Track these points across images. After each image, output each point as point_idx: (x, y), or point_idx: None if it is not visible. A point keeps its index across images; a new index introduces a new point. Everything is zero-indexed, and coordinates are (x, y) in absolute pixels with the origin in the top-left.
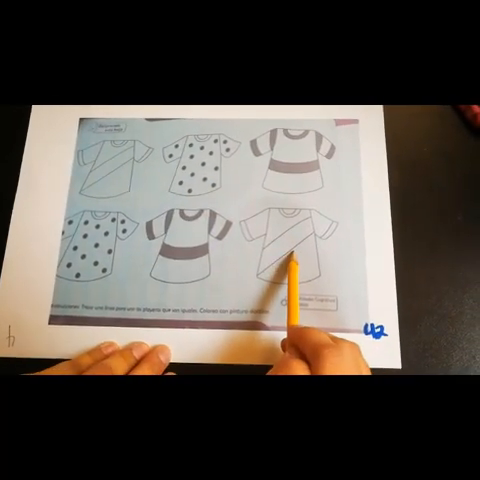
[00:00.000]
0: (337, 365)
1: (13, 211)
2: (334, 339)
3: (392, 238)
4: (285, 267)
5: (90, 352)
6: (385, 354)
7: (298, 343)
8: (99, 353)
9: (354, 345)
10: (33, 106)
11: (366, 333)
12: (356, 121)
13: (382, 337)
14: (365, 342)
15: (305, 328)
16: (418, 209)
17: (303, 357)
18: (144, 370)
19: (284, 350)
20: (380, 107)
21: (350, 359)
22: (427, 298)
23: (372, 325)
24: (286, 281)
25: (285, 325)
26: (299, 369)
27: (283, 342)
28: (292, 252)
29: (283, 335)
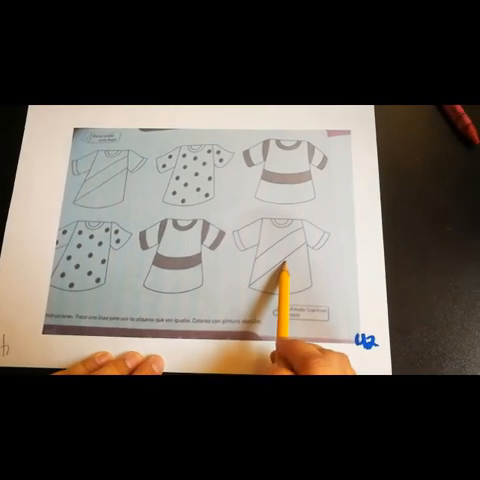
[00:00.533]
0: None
1: (7, 220)
2: (322, 350)
3: (383, 249)
4: (277, 277)
5: (84, 362)
6: (376, 364)
7: (286, 355)
8: (93, 363)
9: (342, 355)
10: (28, 116)
11: (357, 343)
12: (348, 132)
13: (373, 347)
14: (356, 352)
15: (293, 340)
16: (409, 220)
17: (291, 369)
18: None
19: (273, 362)
20: (372, 117)
21: (338, 369)
22: (418, 308)
23: (363, 335)
24: (278, 291)
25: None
26: None
27: (272, 354)
28: (284, 262)
29: (274, 345)
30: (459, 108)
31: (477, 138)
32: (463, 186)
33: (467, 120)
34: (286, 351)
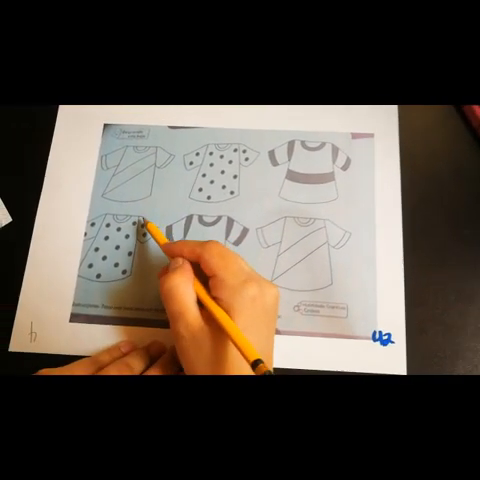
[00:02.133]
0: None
1: (38, 212)
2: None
3: (402, 249)
4: (298, 273)
5: (109, 350)
6: (391, 361)
7: (178, 252)
8: (118, 351)
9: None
10: (59, 111)
11: (374, 340)
12: (372, 135)
13: (389, 344)
14: (373, 348)
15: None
16: (428, 222)
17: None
18: (158, 369)
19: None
20: (395, 121)
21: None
22: (434, 308)
23: (380, 332)
24: (299, 288)
25: (297, 330)
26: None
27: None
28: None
29: (294, 339)
30: None
31: None
32: None
33: None
34: (180, 249)
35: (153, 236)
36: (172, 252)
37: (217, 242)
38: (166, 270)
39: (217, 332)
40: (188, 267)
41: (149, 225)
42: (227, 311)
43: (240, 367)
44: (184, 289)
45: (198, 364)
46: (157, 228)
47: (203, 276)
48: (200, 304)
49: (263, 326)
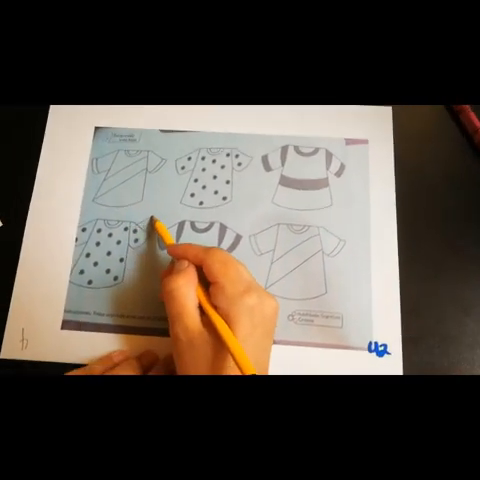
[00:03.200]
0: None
1: (28, 216)
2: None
3: (398, 258)
4: (291, 282)
5: (101, 360)
6: (387, 372)
7: (183, 255)
8: (110, 361)
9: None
10: (50, 113)
11: (370, 351)
12: (366, 141)
13: (385, 355)
14: (368, 360)
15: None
16: (424, 231)
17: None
18: None
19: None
20: (390, 127)
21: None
22: (430, 319)
23: (376, 343)
24: (293, 296)
25: (291, 339)
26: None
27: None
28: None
29: (289, 349)
30: (477, 122)
31: None
32: (478, 199)
33: None
34: (184, 252)
35: (160, 235)
36: (177, 254)
37: (222, 249)
38: (169, 271)
39: (215, 339)
40: (192, 271)
41: (157, 224)
42: (225, 320)
43: None
44: (186, 292)
45: (193, 369)
46: (165, 228)
47: (205, 282)
48: (201, 310)
49: (260, 337)
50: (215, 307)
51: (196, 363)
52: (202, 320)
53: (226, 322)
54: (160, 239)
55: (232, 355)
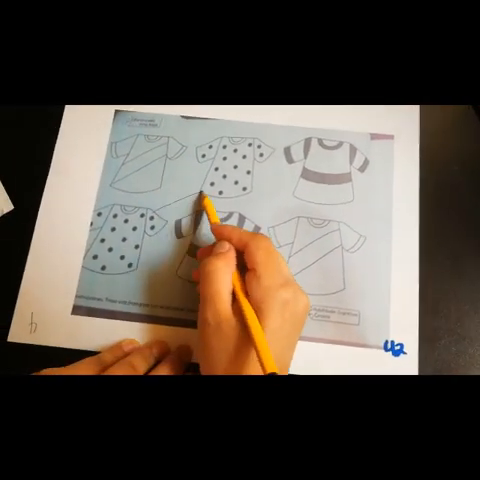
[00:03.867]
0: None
1: (43, 198)
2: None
3: (418, 256)
4: (309, 276)
5: (111, 349)
6: (403, 372)
7: (227, 235)
8: (120, 351)
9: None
10: None
11: (386, 350)
12: (391, 137)
13: (401, 355)
14: (384, 358)
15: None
16: (445, 229)
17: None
18: (164, 370)
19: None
20: (417, 123)
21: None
22: (448, 317)
23: (392, 342)
24: (310, 291)
25: (306, 335)
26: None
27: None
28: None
29: (303, 345)
30: None
31: None
32: None
33: None
34: (229, 234)
35: (207, 212)
36: (221, 234)
37: (267, 237)
38: (208, 251)
39: (242, 328)
40: (232, 255)
41: (206, 200)
42: (256, 310)
43: (256, 369)
44: (222, 276)
45: (216, 355)
46: (212, 205)
47: (243, 268)
48: (234, 296)
49: (288, 333)
50: (248, 295)
51: (220, 349)
52: (233, 307)
53: (257, 312)
54: (183, 229)
55: (256, 349)
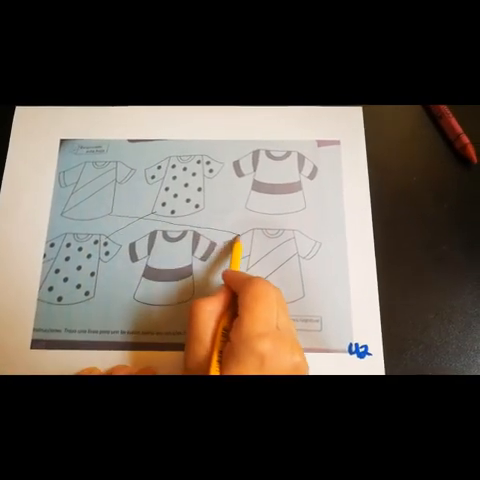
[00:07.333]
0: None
1: None
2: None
3: (375, 259)
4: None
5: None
6: (369, 373)
7: (231, 282)
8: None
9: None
10: (13, 127)
11: (351, 353)
12: (338, 142)
13: (366, 357)
14: (349, 362)
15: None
16: (401, 232)
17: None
18: None
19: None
20: (361, 127)
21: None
22: (413, 327)
23: (356, 345)
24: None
25: None
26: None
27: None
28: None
29: None
30: (457, 128)
31: (475, 158)
32: (460, 205)
33: (465, 140)
34: (231, 278)
35: (232, 256)
36: (224, 276)
37: (264, 282)
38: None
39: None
40: (223, 299)
41: (237, 245)
42: (230, 357)
43: None
44: (206, 319)
45: None
46: (241, 252)
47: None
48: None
49: None
50: (229, 341)
51: None
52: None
53: (230, 359)
54: (137, 252)
55: None
